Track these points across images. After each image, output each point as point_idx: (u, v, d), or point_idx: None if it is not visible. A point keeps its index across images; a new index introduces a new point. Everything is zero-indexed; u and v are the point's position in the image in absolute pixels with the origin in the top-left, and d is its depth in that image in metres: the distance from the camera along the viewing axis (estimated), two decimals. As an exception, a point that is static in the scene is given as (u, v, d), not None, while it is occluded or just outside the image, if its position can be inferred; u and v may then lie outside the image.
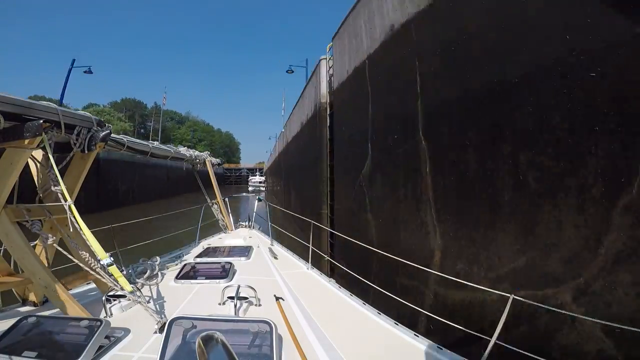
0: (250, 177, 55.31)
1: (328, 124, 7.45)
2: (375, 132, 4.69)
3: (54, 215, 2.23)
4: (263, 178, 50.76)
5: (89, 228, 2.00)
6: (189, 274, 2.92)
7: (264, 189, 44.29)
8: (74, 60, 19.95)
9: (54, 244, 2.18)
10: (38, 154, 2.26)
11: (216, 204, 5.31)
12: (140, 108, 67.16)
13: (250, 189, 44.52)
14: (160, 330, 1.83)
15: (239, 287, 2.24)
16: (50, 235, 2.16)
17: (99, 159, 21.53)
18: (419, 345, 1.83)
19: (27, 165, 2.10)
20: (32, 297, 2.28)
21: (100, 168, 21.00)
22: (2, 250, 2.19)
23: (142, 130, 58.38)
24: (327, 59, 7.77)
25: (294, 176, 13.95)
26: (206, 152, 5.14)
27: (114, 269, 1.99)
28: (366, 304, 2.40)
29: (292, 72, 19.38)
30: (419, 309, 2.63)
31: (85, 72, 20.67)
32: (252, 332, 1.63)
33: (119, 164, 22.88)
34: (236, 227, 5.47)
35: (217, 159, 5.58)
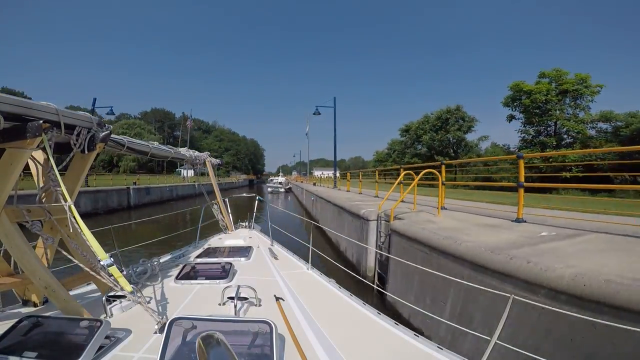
0: (270, 178, 57.43)
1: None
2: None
3: (54, 216, 2.23)
4: (284, 179, 51.28)
5: (89, 229, 2.00)
6: (189, 274, 2.92)
7: (282, 190, 44.20)
8: (95, 100, 20.27)
9: (54, 245, 2.18)
10: (38, 154, 2.26)
11: (216, 204, 5.32)
12: (168, 118, 70.20)
13: (269, 189, 44.65)
14: (161, 330, 1.83)
15: (239, 287, 2.24)
16: (50, 235, 2.16)
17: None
18: (419, 345, 1.83)
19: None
20: (32, 297, 2.28)
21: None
22: (2, 251, 2.18)
23: (171, 140, 62.30)
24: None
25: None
26: (206, 152, 5.13)
27: (114, 270, 1.98)
28: (366, 304, 2.39)
29: (319, 114, 19.56)
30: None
31: (107, 114, 21.30)
32: (252, 332, 1.62)
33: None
34: (236, 227, 5.47)
35: (217, 160, 5.57)
